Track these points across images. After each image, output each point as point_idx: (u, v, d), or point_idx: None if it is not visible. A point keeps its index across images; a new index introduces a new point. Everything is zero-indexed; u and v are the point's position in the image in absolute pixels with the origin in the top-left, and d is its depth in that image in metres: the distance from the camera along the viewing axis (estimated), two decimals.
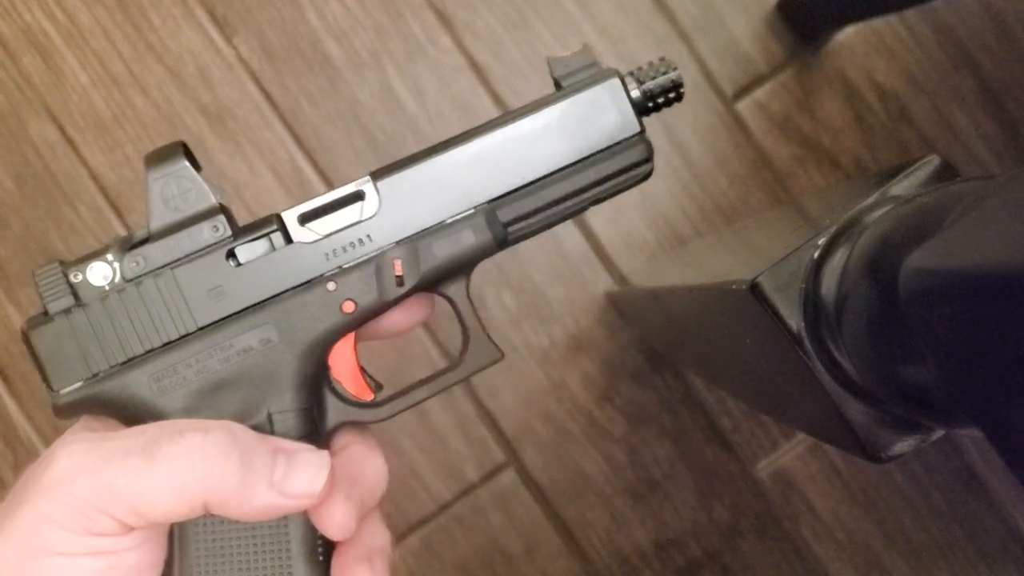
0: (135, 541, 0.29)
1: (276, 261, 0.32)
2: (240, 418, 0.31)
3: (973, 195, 0.34)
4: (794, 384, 0.47)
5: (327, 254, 0.32)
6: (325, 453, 0.31)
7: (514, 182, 0.33)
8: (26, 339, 0.31)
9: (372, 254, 0.33)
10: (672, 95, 0.35)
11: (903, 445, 0.43)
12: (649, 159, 0.34)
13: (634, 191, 0.35)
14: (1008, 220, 0.30)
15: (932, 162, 0.45)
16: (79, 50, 0.77)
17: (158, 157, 0.32)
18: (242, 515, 0.29)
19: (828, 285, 0.42)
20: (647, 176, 0.35)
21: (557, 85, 0.34)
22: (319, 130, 0.77)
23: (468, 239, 0.33)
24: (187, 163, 0.32)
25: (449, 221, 0.33)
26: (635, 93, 0.34)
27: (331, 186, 0.76)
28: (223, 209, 0.32)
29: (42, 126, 0.77)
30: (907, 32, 0.78)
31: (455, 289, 0.34)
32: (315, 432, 0.33)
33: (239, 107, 0.77)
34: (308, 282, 0.32)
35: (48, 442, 0.74)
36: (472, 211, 0.33)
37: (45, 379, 0.31)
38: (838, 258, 0.43)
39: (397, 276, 0.33)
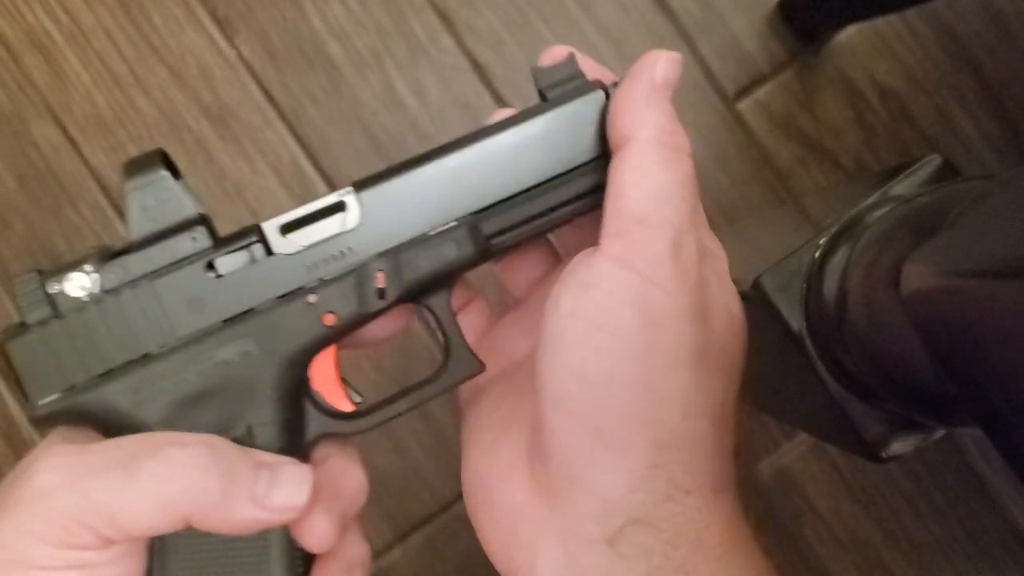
0: (115, 554, 0.29)
1: (256, 273, 0.32)
2: (219, 430, 0.31)
3: (974, 194, 0.34)
4: (795, 384, 0.48)
5: (308, 266, 0.32)
6: (307, 467, 0.31)
7: (497, 195, 0.33)
8: (2, 350, 0.31)
9: (353, 266, 0.32)
10: None
11: (904, 444, 0.43)
12: None
13: None
14: (1009, 219, 0.30)
15: (933, 161, 0.45)
16: (81, 50, 0.77)
17: (136, 166, 0.32)
18: (224, 529, 0.29)
19: (829, 285, 0.42)
20: None
21: (542, 96, 0.34)
22: (321, 130, 0.77)
23: (450, 251, 0.33)
24: (165, 172, 0.32)
25: (432, 233, 0.33)
26: None
27: (332, 186, 0.76)
28: (203, 219, 0.32)
29: (44, 126, 0.77)
30: (908, 32, 0.78)
31: (436, 301, 0.34)
32: (296, 444, 0.32)
33: (241, 107, 0.77)
34: (289, 294, 0.32)
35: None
36: (455, 223, 0.33)
37: (23, 391, 0.31)
38: (839, 257, 0.43)
39: (379, 288, 0.32)
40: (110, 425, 0.31)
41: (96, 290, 0.31)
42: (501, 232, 0.33)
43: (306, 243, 0.32)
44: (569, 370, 0.29)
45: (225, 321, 0.31)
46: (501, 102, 0.77)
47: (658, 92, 0.31)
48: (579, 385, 0.29)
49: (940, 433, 0.44)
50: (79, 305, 0.31)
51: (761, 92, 0.78)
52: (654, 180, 0.30)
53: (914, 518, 0.77)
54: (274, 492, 0.29)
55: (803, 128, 0.78)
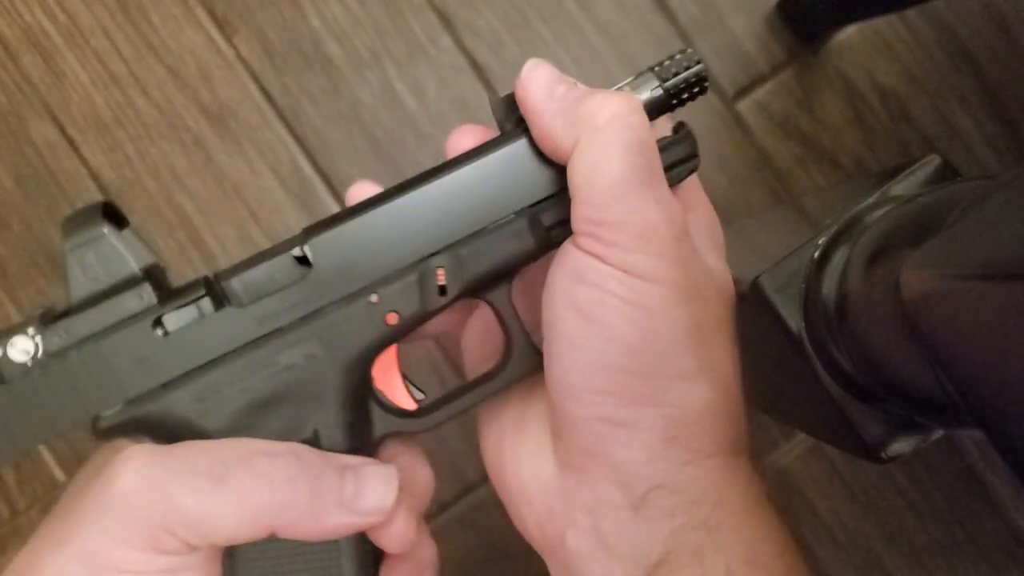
0: (198, 560, 0.28)
1: (207, 327, 0.31)
2: (287, 436, 0.31)
3: (974, 195, 0.34)
4: (794, 384, 0.47)
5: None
6: (391, 467, 0.31)
7: (555, 186, 0.32)
8: None
9: (413, 263, 0.32)
10: (696, 90, 0.34)
11: (903, 445, 0.43)
12: (696, 155, 0.34)
13: None
14: (1009, 220, 0.29)
15: (933, 162, 0.45)
16: (79, 50, 0.77)
17: (75, 223, 0.31)
18: (313, 536, 0.29)
19: (828, 285, 0.42)
20: (694, 170, 0.34)
21: (501, 129, 0.34)
22: (320, 130, 0.77)
23: (511, 244, 0.32)
24: (105, 229, 0.31)
25: (491, 227, 0.32)
26: (657, 93, 0.34)
27: (331, 186, 0.76)
28: (148, 274, 0.31)
29: (42, 126, 0.77)
30: (908, 32, 0.78)
31: (497, 295, 0.33)
32: (362, 446, 0.32)
33: (240, 107, 0.77)
34: (352, 295, 0.31)
35: (46, 443, 0.74)
36: (514, 215, 0.32)
37: None
38: (838, 258, 0.43)
39: (440, 285, 0.32)
40: None
41: (40, 354, 0.30)
42: (561, 223, 0.33)
43: (253, 297, 0.31)
44: (571, 363, 0.30)
45: (289, 324, 0.31)
46: None
47: (556, 100, 0.31)
48: (582, 376, 0.29)
49: (939, 434, 0.43)
50: (23, 370, 0.30)
51: (760, 92, 0.78)
52: (602, 174, 0.29)
53: (914, 519, 0.77)
54: (362, 495, 0.29)
55: (802, 128, 0.78)
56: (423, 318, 0.32)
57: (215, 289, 0.31)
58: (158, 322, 0.31)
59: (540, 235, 0.32)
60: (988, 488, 0.76)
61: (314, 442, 0.31)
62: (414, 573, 0.32)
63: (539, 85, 0.31)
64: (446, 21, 0.77)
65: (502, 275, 0.33)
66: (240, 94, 0.77)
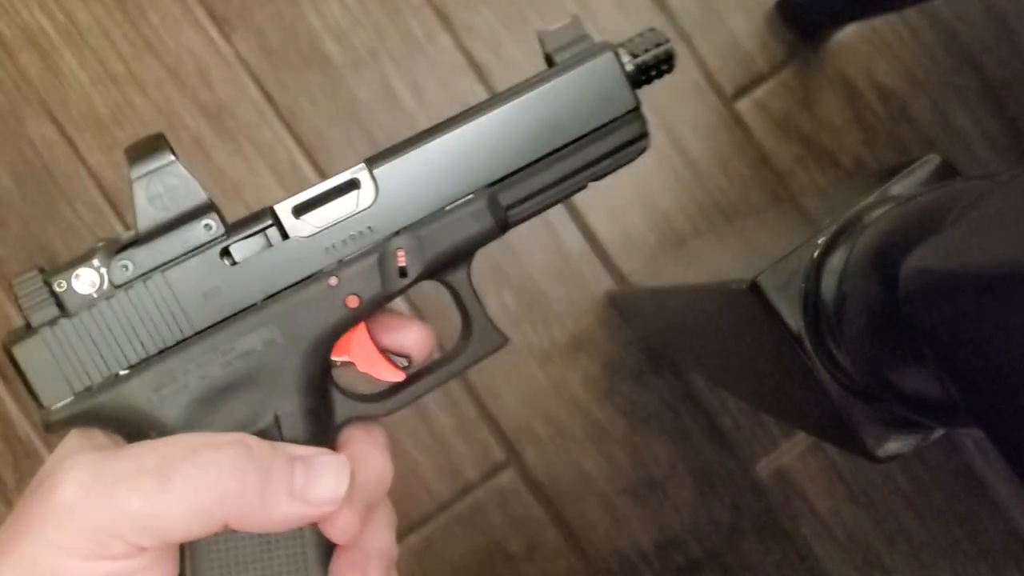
0: (148, 561, 0.28)
1: (273, 257, 0.31)
2: (247, 423, 0.30)
3: (973, 194, 0.34)
4: (794, 383, 0.47)
5: (326, 248, 0.31)
6: (343, 457, 0.30)
7: (513, 164, 0.32)
8: (9, 355, 0.30)
9: (373, 245, 0.31)
10: (665, 67, 0.34)
11: (903, 444, 0.43)
12: (646, 134, 0.33)
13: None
14: (1009, 219, 0.29)
15: (932, 161, 0.45)
16: (78, 49, 0.77)
17: (141, 152, 0.30)
18: (263, 528, 0.29)
19: (828, 284, 0.42)
20: (644, 151, 0.34)
21: (549, 60, 0.33)
22: (318, 129, 0.77)
23: (471, 225, 0.32)
24: (173, 157, 0.30)
25: (450, 207, 0.32)
26: (629, 67, 0.33)
27: None
28: (212, 205, 0.31)
29: (41, 125, 0.76)
30: (907, 31, 0.78)
31: (456, 276, 0.33)
32: (323, 431, 0.32)
33: (238, 106, 0.77)
34: (309, 277, 0.31)
35: (46, 441, 0.74)
36: (472, 195, 0.32)
37: (33, 395, 0.30)
38: (838, 257, 0.43)
39: (400, 267, 0.31)
40: (131, 426, 0.30)
41: (106, 286, 0.30)
42: (518, 202, 0.32)
43: (322, 224, 0.31)
44: None
45: (245, 310, 0.30)
46: None
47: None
48: None
49: (938, 433, 0.43)
50: (88, 302, 0.29)
51: (760, 92, 0.78)
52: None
53: (913, 518, 0.77)
54: (312, 485, 0.29)
55: (802, 127, 0.78)
56: (383, 300, 0.32)
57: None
58: (225, 252, 0.30)
59: (499, 215, 0.32)
60: (987, 487, 0.76)
61: (275, 429, 0.31)
62: (360, 563, 0.32)
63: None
64: (445, 20, 0.77)
65: (461, 256, 0.32)
66: (238, 93, 0.77)
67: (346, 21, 0.77)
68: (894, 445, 0.43)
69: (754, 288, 0.44)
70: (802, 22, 0.76)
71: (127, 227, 0.76)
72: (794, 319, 0.43)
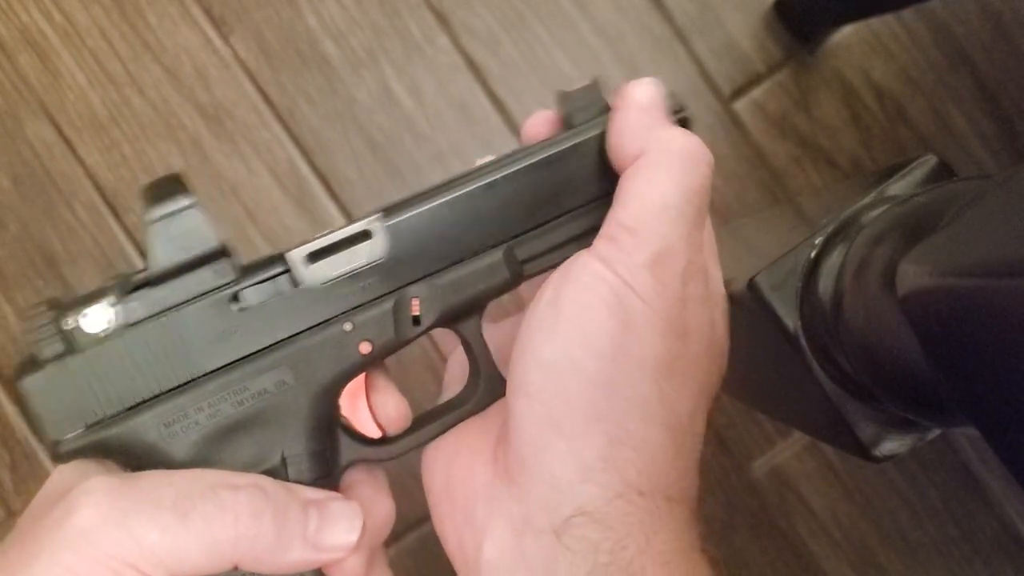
0: None
1: (286, 303, 0.31)
2: (254, 462, 0.30)
3: (970, 194, 0.34)
4: (790, 383, 0.48)
5: (341, 295, 0.31)
6: (355, 503, 0.30)
7: (530, 223, 0.33)
8: (17, 389, 0.30)
9: (388, 292, 0.32)
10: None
11: (899, 444, 0.43)
12: None
13: None
14: (1005, 219, 0.30)
15: (929, 161, 0.45)
16: (76, 49, 0.77)
17: (160, 193, 0.30)
18: (274, 571, 0.29)
19: (825, 284, 0.43)
20: None
21: (567, 122, 0.34)
22: (316, 130, 0.77)
23: (486, 277, 0.32)
24: (192, 199, 0.30)
25: (468, 260, 0.32)
26: None
27: (328, 185, 0.76)
28: (225, 250, 0.31)
29: (39, 125, 0.76)
30: (904, 32, 0.78)
31: (468, 326, 0.34)
32: (328, 473, 0.32)
33: (236, 106, 0.77)
34: (324, 322, 0.31)
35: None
36: (489, 251, 0.32)
37: (41, 430, 0.30)
38: (835, 257, 0.43)
39: (414, 316, 0.32)
40: (139, 459, 0.30)
41: (118, 323, 0.30)
42: (535, 257, 0.33)
43: (336, 273, 0.31)
44: (536, 357, 0.30)
45: (260, 351, 0.31)
46: (497, 101, 0.77)
47: (650, 112, 0.31)
48: (542, 372, 0.29)
49: (935, 433, 0.44)
50: (98, 339, 0.30)
51: (757, 92, 0.78)
52: (656, 192, 0.30)
53: (909, 517, 0.77)
54: (325, 531, 0.29)
55: (799, 128, 0.78)
56: (395, 347, 0.32)
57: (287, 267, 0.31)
58: (236, 297, 0.31)
59: (514, 268, 0.33)
60: (983, 485, 0.76)
61: (281, 470, 0.31)
62: None
63: (645, 91, 0.31)
64: (443, 21, 0.77)
65: (475, 307, 0.33)
66: (236, 94, 0.77)
67: (344, 22, 0.77)
68: (891, 445, 0.43)
69: (751, 287, 0.44)
70: (799, 23, 0.76)
71: (124, 228, 0.76)
72: (790, 318, 0.44)
